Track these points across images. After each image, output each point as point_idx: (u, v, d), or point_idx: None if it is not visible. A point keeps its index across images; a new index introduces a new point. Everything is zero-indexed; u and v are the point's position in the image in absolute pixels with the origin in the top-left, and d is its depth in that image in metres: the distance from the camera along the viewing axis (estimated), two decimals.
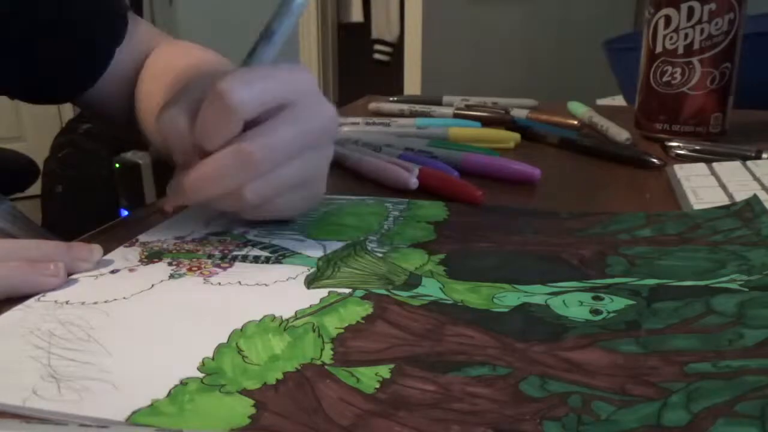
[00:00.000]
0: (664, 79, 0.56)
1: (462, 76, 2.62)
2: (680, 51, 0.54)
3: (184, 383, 0.21)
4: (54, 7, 0.47)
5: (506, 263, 0.31)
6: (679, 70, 0.55)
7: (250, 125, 0.30)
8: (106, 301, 0.27)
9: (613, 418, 0.19)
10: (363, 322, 0.25)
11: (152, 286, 0.29)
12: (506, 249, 0.33)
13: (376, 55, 3.43)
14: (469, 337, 0.24)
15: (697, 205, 0.38)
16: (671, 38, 0.54)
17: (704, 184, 0.41)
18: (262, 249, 0.33)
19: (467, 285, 0.29)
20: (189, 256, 0.32)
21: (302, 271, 0.30)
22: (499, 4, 2.57)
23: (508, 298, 0.27)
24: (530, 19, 2.56)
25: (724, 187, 0.40)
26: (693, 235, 0.34)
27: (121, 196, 1.97)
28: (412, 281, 0.29)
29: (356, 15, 3.41)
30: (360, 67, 3.38)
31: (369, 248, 0.33)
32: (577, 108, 0.66)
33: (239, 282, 0.29)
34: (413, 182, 0.43)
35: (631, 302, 0.27)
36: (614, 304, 0.27)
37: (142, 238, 0.35)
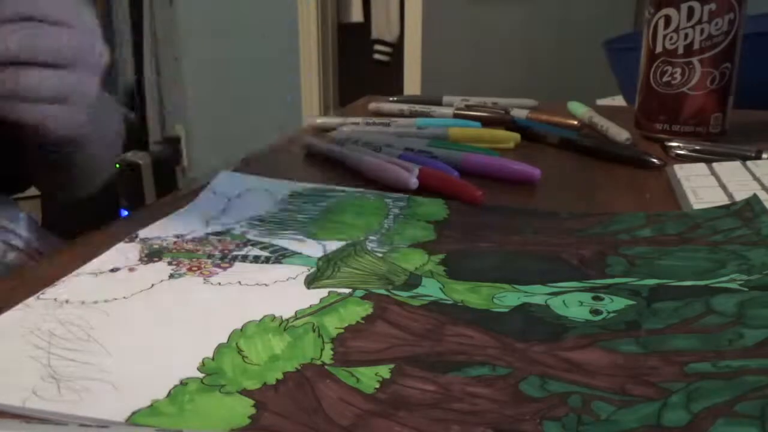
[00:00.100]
0: (664, 79, 0.56)
1: (462, 76, 2.62)
2: (680, 51, 0.54)
3: (184, 383, 0.21)
4: None
5: (506, 263, 0.31)
6: (679, 70, 0.54)
7: None
8: (106, 301, 0.27)
9: (613, 418, 0.19)
10: (363, 322, 0.25)
11: (152, 285, 0.29)
12: (506, 249, 0.33)
13: (376, 55, 3.43)
14: (469, 337, 0.24)
15: (697, 205, 0.38)
16: (671, 38, 0.54)
17: (704, 184, 0.41)
18: (262, 249, 0.33)
19: (467, 285, 0.29)
20: (189, 256, 0.32)
21: (302, 271, 0.30)
22: (499, 4, 2.57)
23: (508, 298, 0.27)
24: (530, 19, 2.55)
25: (724, 187, 0.40)
26: (693, 235, 0.34)
27: (121, 196, 1.97)
28: (412, 281, 0.29)
29: (356, 15, 3.41)
30: (360, 67, 3.38)
31: (369, 248, 0.33)
32: (577, 108, 0.66)
33: (239, 282, 0.29)
34: (413, 182, 0.43)
35: (631, 302, 0.27)
36: (614, 304, 0.27)
37: (141, 233, 0.35)
